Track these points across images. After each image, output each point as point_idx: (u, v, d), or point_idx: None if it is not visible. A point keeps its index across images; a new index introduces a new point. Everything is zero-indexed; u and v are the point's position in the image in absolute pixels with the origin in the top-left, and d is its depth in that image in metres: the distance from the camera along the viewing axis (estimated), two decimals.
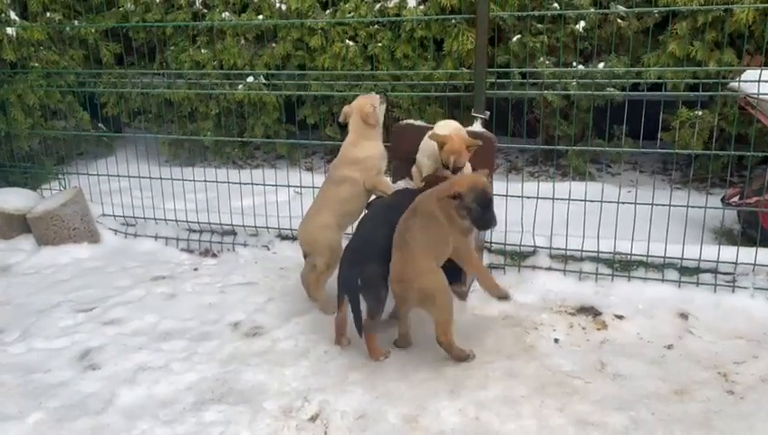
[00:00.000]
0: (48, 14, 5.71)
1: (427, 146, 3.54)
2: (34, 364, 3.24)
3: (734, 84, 3.96)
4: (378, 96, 3.66)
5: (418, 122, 3.97)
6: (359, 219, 3.56)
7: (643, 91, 4.39)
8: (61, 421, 2.79)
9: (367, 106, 3.59)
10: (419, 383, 2.97)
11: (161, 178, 4.86)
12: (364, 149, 3.61)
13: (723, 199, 4.13)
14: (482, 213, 2.96)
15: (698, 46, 4.60)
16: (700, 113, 4.68)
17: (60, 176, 5.56)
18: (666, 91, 4.33)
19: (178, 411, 2.84)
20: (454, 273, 3.34)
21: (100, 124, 6.22)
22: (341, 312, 3.26)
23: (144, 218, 4.91)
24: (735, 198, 4.07)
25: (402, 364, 3.11)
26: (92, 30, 5.80)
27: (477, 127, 3.93)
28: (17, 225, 4.85)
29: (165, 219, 4.86)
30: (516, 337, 3.34)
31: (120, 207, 4.96)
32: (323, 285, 3.64)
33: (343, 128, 3.77)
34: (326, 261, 3.59)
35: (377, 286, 3.12)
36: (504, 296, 3.22)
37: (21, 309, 3.84)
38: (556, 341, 3.32)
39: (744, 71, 3.97)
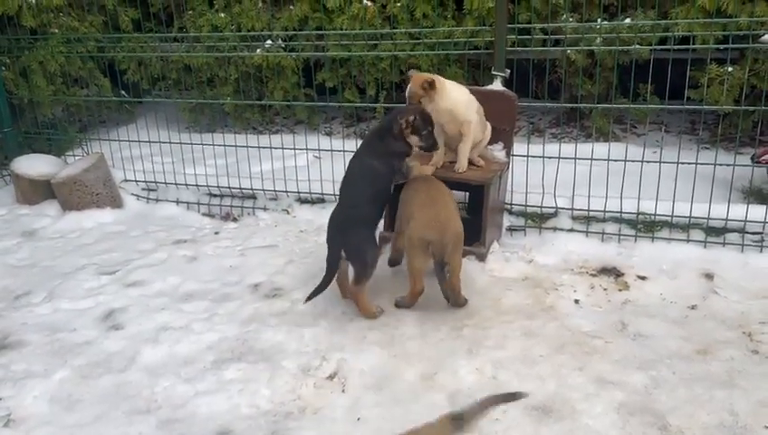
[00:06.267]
0: None
1: None
2: (60, 324, 3.30)
3: (766, 37, 3.80)
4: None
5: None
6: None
7: (670, 47, 4.24)
8: (86, 378, 2.86)
9: None
10: (437, 343, 2.96)
11: (181, 144, 4.88)
12: None
13: (752, 158, 4.00)
14: None
15: None
16: (730, 69, 4.50)
17: (82, 143, 5.62)
18: (694, 46, 4.17)
19: (199, 370, 2.88)
20: (473, 233, 3.31)
21: (121, 92, 6.24)
22: (340, 272, 3.26)
23: (165, 184, 4.94)
24: (766, 157, 3.95)
25: (421, 324, 3.11)
26: None
27: (497, 86, 3.84)
28: (42, 190, 4.92)
29: (186, 184, 4.89)
30: (536, 298, 3.31)
31: (141, 172, 5.00)
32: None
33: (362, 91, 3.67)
34: None
35: (362, 252, 3.14)
36: None
37: (47, 272, 3.92)
38: (576, 301, 3.29)
39: None
